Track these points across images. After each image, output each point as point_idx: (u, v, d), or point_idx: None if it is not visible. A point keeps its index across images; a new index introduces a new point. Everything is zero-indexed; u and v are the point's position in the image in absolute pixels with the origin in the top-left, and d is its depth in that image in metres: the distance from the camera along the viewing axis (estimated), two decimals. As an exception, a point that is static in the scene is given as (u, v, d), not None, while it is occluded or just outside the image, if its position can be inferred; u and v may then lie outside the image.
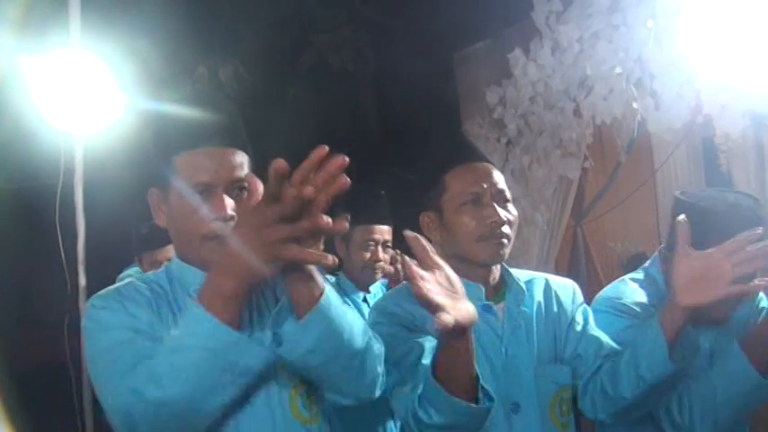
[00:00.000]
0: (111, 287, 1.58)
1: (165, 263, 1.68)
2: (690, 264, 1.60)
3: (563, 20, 4.12)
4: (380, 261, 3.01)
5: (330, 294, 1.45)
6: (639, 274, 2.15)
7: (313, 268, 1.42)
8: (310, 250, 1.34)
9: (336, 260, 1.38)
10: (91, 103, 3.63)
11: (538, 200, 4.46)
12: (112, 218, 3.80)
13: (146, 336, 1.47)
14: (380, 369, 1.58)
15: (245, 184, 1.55)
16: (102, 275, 3.12)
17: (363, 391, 1.56)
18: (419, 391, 1.59)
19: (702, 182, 4.52)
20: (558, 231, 4.57)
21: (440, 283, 1.48)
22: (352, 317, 1.51)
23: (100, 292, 1.58)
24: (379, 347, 1.57)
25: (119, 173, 3.84)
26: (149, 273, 1.69)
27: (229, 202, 1.52)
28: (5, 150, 4.02)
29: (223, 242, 1.37)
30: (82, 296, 3.62)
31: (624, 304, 2.02)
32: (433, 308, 1.42)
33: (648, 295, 2.04)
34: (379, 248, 3.01)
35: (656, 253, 2.16)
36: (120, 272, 3.35)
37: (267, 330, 1.54)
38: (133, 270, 3.31)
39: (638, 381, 1.67)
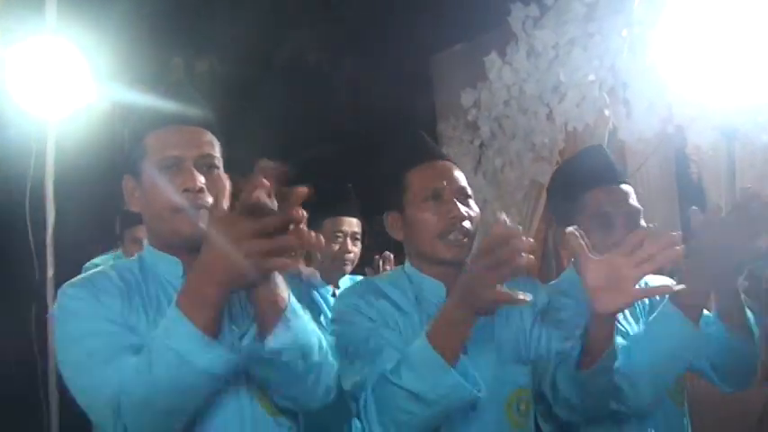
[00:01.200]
0: (83, 275, 1.58)
1: (145, 241, 1.69)
2: (594, 271, 1.57)
3: (539, 25, 4.16)
4: (350, 252, 3.01)
5: (294, 307, 1.46)
6: (559, 280, 2.19)
7: (280, 280, 1.43)
8: (288, 260, 1.33)
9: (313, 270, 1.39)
10: (65, 90, 3.61)
11: (509, 202, 4.49)
12: (82, 207, 3.79)
13: (121, 326, 1.47)
14: (332, 383, 1.59)
15: (215, 162, 1.59)
16: (71, 264, 3.10)
17: (313, 401, 1.57)
18: (392, 364, 1.61)
19: (674, 192, 4.57)
20: (528, 234, 4.59)
21: None
22: (311, 329, 1.52)
23: (71, 281, 1.57)
24: (333, 362, 1.59)
25: (90, 161, 3.82)
26: (120, 261, 1.69)
27: (198, 176, 1.54)
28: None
29: (204, 239, 1.34)
30: (49, 285, 3.61)
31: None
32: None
33: (569, 296, 2.06)
34: (348, 240, 3.02)
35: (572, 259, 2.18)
36: (88, 261, 3.34)
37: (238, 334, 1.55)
38: (99, 260, 3.30)
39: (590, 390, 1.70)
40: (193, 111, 1.61)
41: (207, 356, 1.34)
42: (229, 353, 1.38)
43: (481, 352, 1.81)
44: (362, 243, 3.09)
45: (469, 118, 4.58)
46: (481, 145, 4.60)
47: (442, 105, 5.03)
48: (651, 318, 1.81)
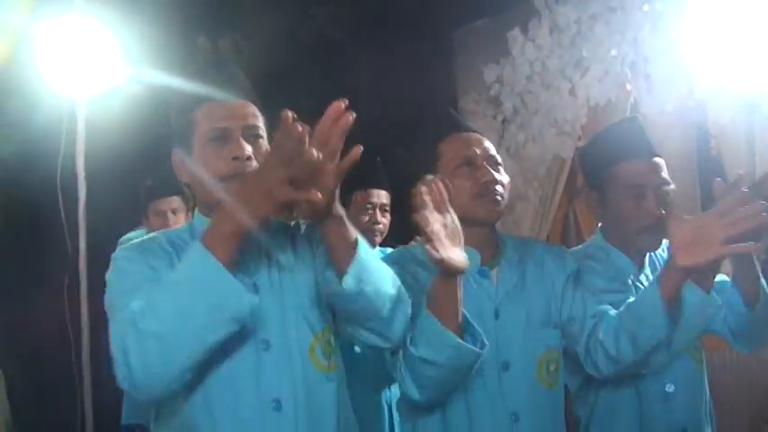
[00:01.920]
0: (134, 241, 1.68)
1: (169, 213, 1.77)
2: (684, 228, 1.68)
3: (562, 1, 4.18)
4: (379, 224, 3.08)
5: (364, 244, 1.58)
6: (585, 246, 2.28)
7: (345, 220, 1.56)
8: (303, 192, 1.42)
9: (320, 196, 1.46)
10: (94, 69, 3.68)
11: (531, 177, 4.52)
12: (113, 182, 3.86)
13: None
14: (409, 313, 1.68)
15: (260, 132, 1.67)
16: (103, 237, 3.19)
17: (392, 332, 1.65)
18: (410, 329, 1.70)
19: (695, 166, 4.58)
20: (550, 209, 4.63)
21: (445, 225, 1.61)
22: (382, 265, 1.64)
23: (124, 246, 1.67)
24: (405, 294, 1.68)
25: (121, 137, 3.89)
26: (171, 229, 1.78)
27: (246, 145, 1.62)
28: (10, 115, 4.07)
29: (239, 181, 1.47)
30: (81, 257, 3.70)
31: None
32: (428, 235, 1.56)
33: (596, 260, 2.13)
34: (377, 211, 3.08)
35: (599, 225, 2.27)
36: (122, 235, 3.41)
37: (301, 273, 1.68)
38: (134, 234, 3.37)
39: (639, 343, 1.78)
40: (236, 85, 1.69)
41: (225, 291, 1.44)
42: (248, 292, 1.48)
43: (512, 317, 1.89)
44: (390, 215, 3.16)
45: (492, 93, 4.61)
46: (504, 120, 4.63)
47: (465, 81, 5.05)
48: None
